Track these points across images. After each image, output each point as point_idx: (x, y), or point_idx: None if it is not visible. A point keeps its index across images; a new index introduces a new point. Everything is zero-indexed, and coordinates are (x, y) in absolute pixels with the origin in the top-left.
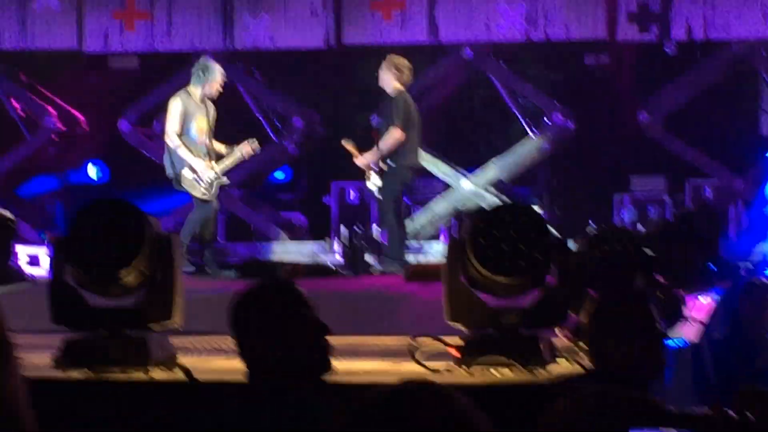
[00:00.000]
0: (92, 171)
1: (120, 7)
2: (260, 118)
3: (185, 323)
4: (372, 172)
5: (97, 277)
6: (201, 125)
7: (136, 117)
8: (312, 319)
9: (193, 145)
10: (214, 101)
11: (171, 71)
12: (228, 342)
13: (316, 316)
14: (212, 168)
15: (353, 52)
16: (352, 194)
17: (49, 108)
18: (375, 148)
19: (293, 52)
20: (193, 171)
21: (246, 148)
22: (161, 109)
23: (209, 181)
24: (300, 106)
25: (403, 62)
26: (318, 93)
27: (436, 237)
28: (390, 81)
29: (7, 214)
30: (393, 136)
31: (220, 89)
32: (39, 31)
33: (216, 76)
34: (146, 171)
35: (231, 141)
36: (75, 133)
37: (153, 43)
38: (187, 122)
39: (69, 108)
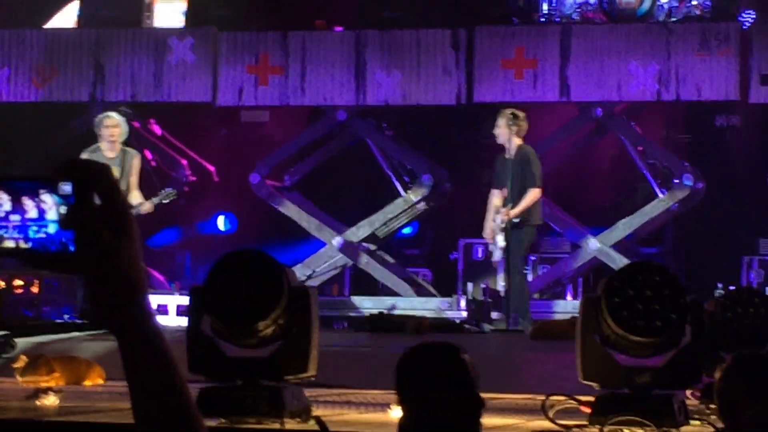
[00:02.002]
0: (221, 222)
1: (254, 62)
2: (389, 173)
3: (320, 375)
4: (498, 231)
5: (235, 328)
6: None
7: (267, 170)
8: (471, 392)
9: None
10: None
11: (303, 125)
12: (361, 395)
13: (477, 388)
14: None
15: (483, 110)
16: (479, 251)
17: (182, 159)
18: (507, 207)
19: (423, 109)
20: None
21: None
22: (292, 163)
23: None
24: (429, 162)
25: (519, 114)
26: (447, 149)
27: (561, 295)
28: (508, 135)
29: None
30: (535, 195)
31: (111, 137)
32: (174, 84)
33: (108, 133)
34: (274, 223)
35: (364, 194)
36: (205, 185)
37: (286, 97)
38: None
39: (200, 159)
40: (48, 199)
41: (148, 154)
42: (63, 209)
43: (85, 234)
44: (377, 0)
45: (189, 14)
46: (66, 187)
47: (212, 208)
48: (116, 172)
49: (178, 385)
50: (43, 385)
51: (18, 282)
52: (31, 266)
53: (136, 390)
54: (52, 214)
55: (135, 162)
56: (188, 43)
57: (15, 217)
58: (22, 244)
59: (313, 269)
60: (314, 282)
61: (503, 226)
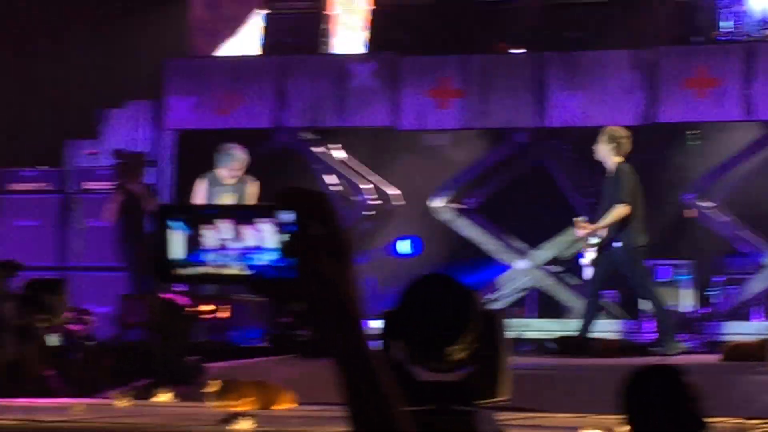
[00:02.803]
0: (405, 245)
1: (435, 86)
2: (570, 194)
3: (512, 399)
4: (589, 247)
5: (425, 353)
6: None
7: (449, 193)
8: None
9: None
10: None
11: (483, 148)
12: (550, 419)
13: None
14: None
15: (664, 129)
16: (665, 271)
17: (364, 184)
18: (597, 222)
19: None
20: None
21: None
22: (473, 186)
23: None
24: None
25: (621, 133)
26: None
27: (747, 316)
28: (607, 153)
29: None
30: (619, 211)
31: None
32: (355, 109)
33: (233, 164)
34: (457, 246)
35: (547, 216)
36: (388, 209)
37: (466, 120)
38: (210, 200)
39: (383, 184)
40: (268, 227)
41: (331, 179)
42: (284, 237)
43: (306, 261)
44: (557, 21)
45: (369, 39)
46: (285, 216)
47: (395, 231)
48: (233, 198)
49: (393, 411)
50: (235, 409)
51: (207, 307)
52: (253, 293)
53: (353, 415)
54: (272, 242)
55: (252, 189)
56: (369, 68)
57: (237, 245)
58: (244, 272)
59: (498, 292)
60: (498, 304)
61: (592, 242)
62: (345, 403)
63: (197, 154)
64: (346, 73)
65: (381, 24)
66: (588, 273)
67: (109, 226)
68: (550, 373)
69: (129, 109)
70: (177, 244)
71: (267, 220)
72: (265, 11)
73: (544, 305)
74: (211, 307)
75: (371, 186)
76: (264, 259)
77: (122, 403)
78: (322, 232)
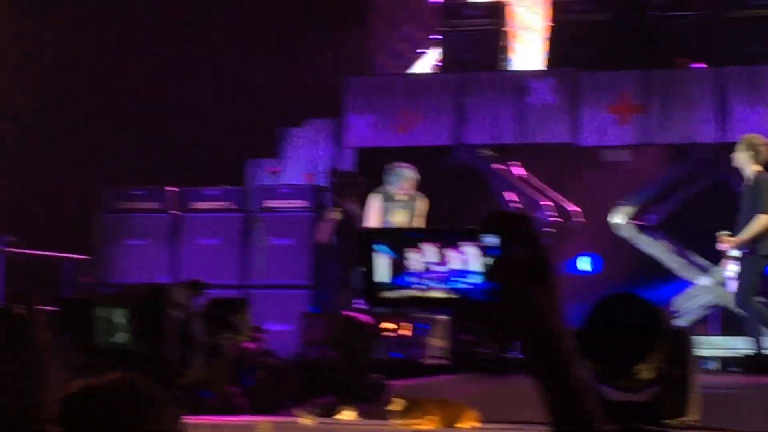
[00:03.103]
0: (585, 263)
1: (615, 102)
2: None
3: (702, 420)
4: (731, 260)
5: (613, 371)
6: (399, 219)
7: (629, 209)
8: None
9: None
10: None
11: (664, 164)
12: None
13: None
14: None
15: None
16: None
17: (544, 201)
18: (739, 235)
19: None
20: None
21: None
22: (654, 202)
23: None
24: None
25: (759, 141)
26: None
27: None
28: (746, 162)
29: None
30: (761, 222)
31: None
32: (535, 126)
33: (402, 183)
34: (638, 263)
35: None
36: (569, 226)
37: (647, 136)
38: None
39: (563, 200)
40: (472, 251)
41: (511, 196)
42: (488, 261)
43: (510, 285)
44: (738, 35)
45: (548, 55)
46: (489, 239)
47: (576, 248)
48: (406, 215)
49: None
50: (419, 427)
51: (389, 325)
52: (457, 315)
53: None
54: (475, 265)
55: (422, 206)
56: (548, 84)
57: (441, 268)
58: (449, 294)
59: (681, 309)
60: (681, 322)
61: (731, 254)
62: (549, 423)
63: (376, 172)
64: (525, 89)
65: (559, 40)
66: (732, 286)
67: (304, 244)
68: (737, 392)
69: (309, 128)
70: (382, 268)
71: (471, 243)
72: (444, 29)
73: (727, 322)
74: (393, 324)
75: (551, 203)
76: (468, 282)
77: (307, 420)
78: (526, 255)
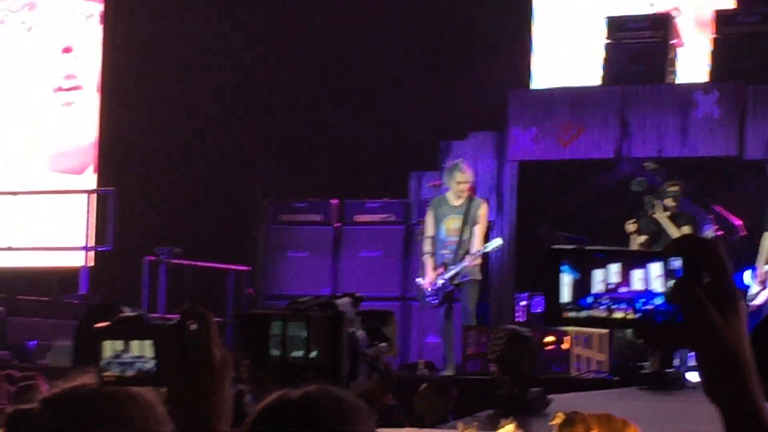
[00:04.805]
0: (748, 276)
1: None
2: None
3: None
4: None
5: None
6: (452, 227)
7: None
8: None
9: (442, 245)
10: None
11: None
12: None
13: None
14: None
15: None
16: None
17: (707, 214)
18: None
19: None
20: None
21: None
22: None
23: (433, 291)
24: None
25: None
26: None
27: None
28: None
29: None
30: None
31: (460, 192)
32: (699, 139)
33: (457, 175)
34: None
35: None
36: (733, 239)
37: None
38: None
39: (727, 213)
40: (656, 272)
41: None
42: (670, 283)
43: (692, 309)
44: None
45: (713, 68)
46: (675, 263)
47: (740, 262)
48: (460, 221)
49: None
50: None
51: (549, 339)
52: (637, 336)
53: None
54: (657, 286)
55: (481, 211)
56: (713, 98)
57: (623, 289)
58: (630, 315)
59: None
60: None
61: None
62: None
63: (537, 186)
64: (689, 102)
65: (725, 52)
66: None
67: None
68: None
69: (471, 141)
70: (566, 287)
71: (656, 264)
72: (608, 41)
73: None
74: (553, 338)
75: (713, 216)
76: (651, 304)
77: None
78: (710, 280)
